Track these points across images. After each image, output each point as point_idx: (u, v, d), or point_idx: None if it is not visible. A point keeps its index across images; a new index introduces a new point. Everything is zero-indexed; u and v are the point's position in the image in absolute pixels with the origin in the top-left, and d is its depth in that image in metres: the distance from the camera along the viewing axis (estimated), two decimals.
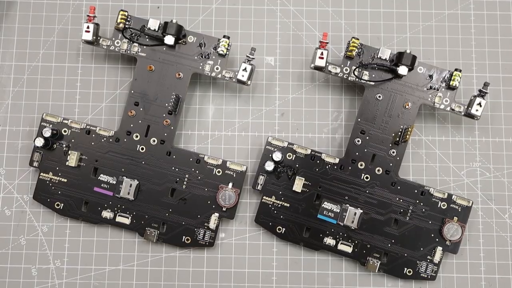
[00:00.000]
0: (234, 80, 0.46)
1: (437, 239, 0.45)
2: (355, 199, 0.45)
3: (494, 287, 0.47)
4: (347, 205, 0.45)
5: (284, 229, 0.46)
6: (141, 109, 0.46)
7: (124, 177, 0.46)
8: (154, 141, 0.46)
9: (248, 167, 0.46)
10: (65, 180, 0.46)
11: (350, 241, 0.45)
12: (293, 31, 0.50)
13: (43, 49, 0.50)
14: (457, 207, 0.45)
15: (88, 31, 0.46)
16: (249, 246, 0.47)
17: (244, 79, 0.45)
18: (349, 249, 0.45)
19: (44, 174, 0.46)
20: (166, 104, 0.46)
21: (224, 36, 0.46)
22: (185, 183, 0.46)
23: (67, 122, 0.46)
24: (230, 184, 0.45)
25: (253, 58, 0.45)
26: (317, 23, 0.51)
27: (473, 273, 0.47)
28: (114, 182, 0.46)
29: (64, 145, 0.46)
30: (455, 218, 0.45)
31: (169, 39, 0.45)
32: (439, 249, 0.45)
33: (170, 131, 0.46)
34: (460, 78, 0.45)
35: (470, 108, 0.45)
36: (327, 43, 0.45)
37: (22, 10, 0.50)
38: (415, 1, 0.51)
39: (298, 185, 0.45)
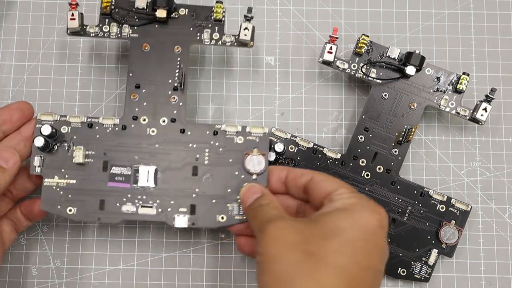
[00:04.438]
0: (235, 44, 0.44)
1: (433, 241, 0.45)
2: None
3: (494, 286, 0.47)
4: None
5: None
6: (144, 90, 0.43)
7: (140, 165, 0.42)
8: (164, 121, 0.43)
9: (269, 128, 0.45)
10: (74, 181, 0.42)
11: None
12: (293, 31, 0.50)
13: (43, 49, 0.50)
14: (455, 210, 0.45)
15: (74, 18, 0.43)
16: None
17: (247, 38, 0.43)
18: None
19: (49, 180, 0.42)
20: (170, 81, 0.43)
21: (217, 2, 0.44)
22: (206, 158, 0.43)
23: (65, 118, 0.43)
24: (255, 150, 0.42)
25: (252, 17, 0.44)
26: (317, 23, 0.51)
27: (473, 273, 0.47)
28: (129, 173, 0.42)
29: (66, 144, 0.42)
30: (453, 222, 0.45)
31: (161, 13, 0.43)
32: (434, 252, 0.45)
33: (180, 107, 0.43)
34: (468, 81, 0.45)
35: (475, 113, 0.45)
36: (337, 38, 0.45)
37: (22, 10, 0.50)
38: (415, 1, 0.51)
39: None
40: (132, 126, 0.43)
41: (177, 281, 0.47)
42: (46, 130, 0.41)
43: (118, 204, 0.42)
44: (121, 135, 0.43)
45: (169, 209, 0.42)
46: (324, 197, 0.38)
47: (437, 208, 0.45)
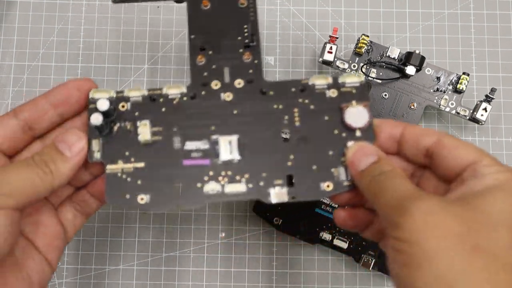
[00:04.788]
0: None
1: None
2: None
3: None
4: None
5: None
6: (210, 52, 0.37)
7: (218, 136, 0.35)
8: (239, 83, 0.37)
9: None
10: (142, 164, 0.35)
11: (346, 237, 0.46)
12: (293, 31, 0.50)
13: (43, 49, 0.50)
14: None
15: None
16: (249, 245, 0.47)
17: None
18: (344, 245, 0.45)
19: (112, 166, 0.34)
20: (239, 38, 0.38)
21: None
22: (296, 119, 0.36)
23: (122, 94, 0.36)
24: (354, 102, 0.36)
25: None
26: (317, 23, 0.51)
27: None
28: (207, 146, 0.35)
29: (127, 123, 0.35)
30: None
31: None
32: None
33: (256, 66, 0.37)
34: (468, 81, 0.45)
35: (475, 113, 0.45)
36: (337, 38, 0.46)
37: (22, 10, 0.50)
38: (415, 1, 0.51)
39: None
40: (203, 93, 0.36)
41: (177, 281, 0.47)
42: (103, 105, 0.34)
43: (199, 185, 0.35)
44: (191, 106, 0.36)
45: (261, 183, 0.35)
46: (463, 169, 0.30)
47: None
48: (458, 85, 0.45)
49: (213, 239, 0.47)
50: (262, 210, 0.46)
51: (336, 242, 0.45)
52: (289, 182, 0.35)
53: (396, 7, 0.51)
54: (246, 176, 0.35)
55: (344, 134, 0.35)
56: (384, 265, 0.45)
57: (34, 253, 0.33)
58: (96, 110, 0.34)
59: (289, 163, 0.35)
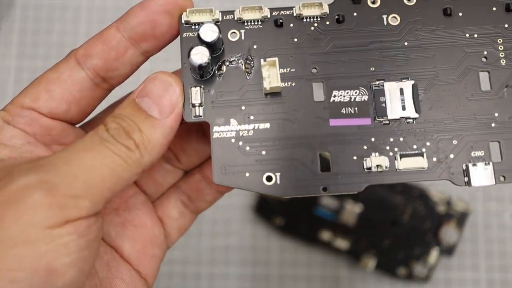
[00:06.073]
0: None
1: (433, 241, 0.45)
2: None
3: (494, 287, 0.47)
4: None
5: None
6: None
7: (383, 81, 0.24)
8: None
9: None
10: (267, 125, 0.24)
11: (346, 237, 0.45)
12: None
13: (43, 49, 0.50)
14: (455, 210, 0.45)
15: None
16: (248, 245, 0.47)
17: None
18: (345, 245, 0.45)
19: (222, 129, 0.23)
20: None
21: None
22: (501, 55, 0.25)
23: (231, 15, 0.24)
24: None
25: None
26: None
27: (473, 273, 0.47)
28: (366, 97, 0.24)
29: (241, 61, 0.24)
30: (453, 222, 0.45)
31: None
32: (434, 252, 0.45)
33: None
34: None
35: None
36: None
37: (22, 11, 0.50)
38: None
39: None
40: (354, 14, 0.25)
41: (177, 281, 0.46)
42: (210, 31, 0.23)
43: (354, 158, 0.24)
44: (336, 33, 0.25)
45: (451, 156, 0.24)
46: None
47: (437, 208, 0.45)
48: None
49: (213, 239, 0.47)
50: (264, 210, 0.46)
51: (337, 242, 0.46)
52: (493, 155, 0.24)
53: None
54: (427, 144, 0.24)
55: None
56: (384, 265, 0.45)
57: (123, 268, 0.24)
58: (199, 40, 0.23)
59: (493, 124, 0.24)
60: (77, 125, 0.24)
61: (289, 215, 0.46)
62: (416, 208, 0.45)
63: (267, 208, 0.46)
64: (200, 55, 0.22)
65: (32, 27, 0.50)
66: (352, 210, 0.45)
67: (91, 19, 0.50)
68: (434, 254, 0.45)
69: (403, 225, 0.45)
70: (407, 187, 0.46)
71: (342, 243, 0.45)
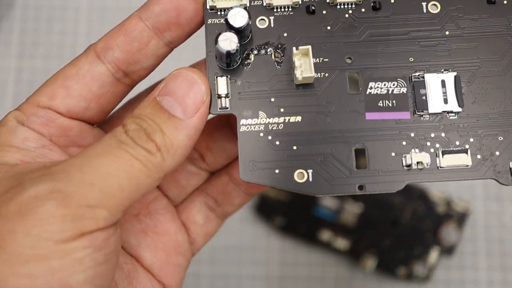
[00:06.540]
0: None
1: (433, 241, 0.45)
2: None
3: (495, 287, 0.47)
4: None
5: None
6: None
7: (423, 73, 0.23)
8: None
9: None
10: (299, 118, 0.22)
11: (346, 237, 0.45)
12: None
13: (43, 49, 0.50)
14: (456, 211, 0.45)
15: None
16: (248, 245, 0.47)
17: None
18: (345, 246, 0.45)
19: (249, 122, 0.22)
20: None
21: None
22: None
23: (260, 1, 0.23)
24: None
25: None
26: None
27: (473, 273, 0.47)
28: (404, 90, 0.23)
29: (270, 49, 0.22)
30: (453, 222, 0.45)
31: None
32: (434, 252, 0.45)
33: None
34: None
35: None
36: None
37: (22, 11, 0.50)
38: None
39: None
40: (392, 1, 0.23)
41: None
42: (238, 17, 0.21)
43: (393, 154, 0.22)
44: (372, 21, 0.23)
45: (496, 153, 0.23)
46: None
47: (437, 208, 0.45)
48: None
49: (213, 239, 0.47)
50: (264, 210, 0.45)
51: (337, 242, 0.45)
52: None
53: None
54: (471, 140, 0.23)
55: None
56: (384, 265, 0.45)
57: (145, 279, 0.22)
58: (226, 26, 0.21)
59: None
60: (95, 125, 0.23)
61: (289, 215, 0.46)
62: (416, 208, 0.45)
63: (267, 208, 0.46)
64: (229, 41, 0.20)
65: (32, 27, 0.50)
66: (352, 210, 0.45)
67: (91, 19, 0.50)
68: (434, 254, 0.45)
69: (403, 225, 0.45)
70: (407, 187, 0.45)
71: (342, 243, 0.45)
